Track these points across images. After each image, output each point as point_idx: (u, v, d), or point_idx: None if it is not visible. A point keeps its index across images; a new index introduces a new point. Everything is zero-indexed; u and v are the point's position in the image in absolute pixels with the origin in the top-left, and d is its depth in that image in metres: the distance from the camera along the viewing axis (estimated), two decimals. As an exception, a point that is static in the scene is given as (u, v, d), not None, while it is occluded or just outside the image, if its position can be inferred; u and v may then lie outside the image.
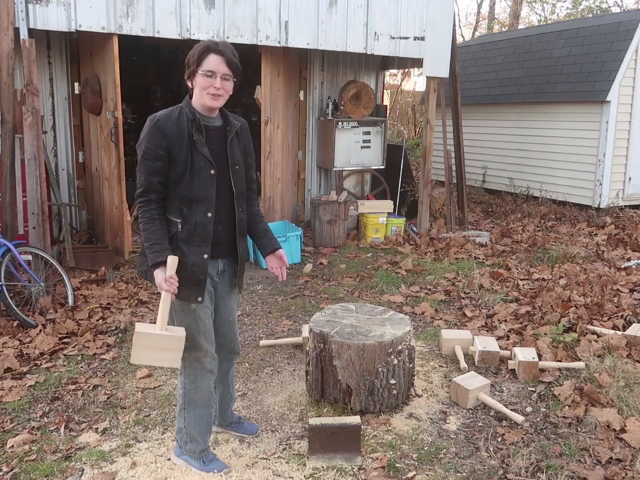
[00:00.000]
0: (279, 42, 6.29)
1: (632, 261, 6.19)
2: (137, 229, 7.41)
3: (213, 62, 2.47)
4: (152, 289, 5.31)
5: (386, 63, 8.66)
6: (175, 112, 2.54)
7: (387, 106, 8.79)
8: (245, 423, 3.15)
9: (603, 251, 6.65)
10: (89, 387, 3.61)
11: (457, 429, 3.19)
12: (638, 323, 4.37)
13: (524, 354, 3.77)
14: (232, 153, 2.64)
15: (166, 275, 2.43)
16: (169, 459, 2.88)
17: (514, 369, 3.81)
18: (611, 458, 2.89)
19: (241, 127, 2.72)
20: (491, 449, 2.98)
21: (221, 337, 2.81)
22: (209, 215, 2.55)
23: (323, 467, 2.82)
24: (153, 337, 2.50)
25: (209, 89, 2.48)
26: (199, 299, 2.58)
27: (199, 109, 2.56)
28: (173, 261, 2.44)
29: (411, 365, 3.40)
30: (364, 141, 7.92)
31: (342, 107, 7.76)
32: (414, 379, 3.52)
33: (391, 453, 2.94)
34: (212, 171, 2.55)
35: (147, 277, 2.61)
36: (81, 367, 3.88)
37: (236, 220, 2.66)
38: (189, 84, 2.55)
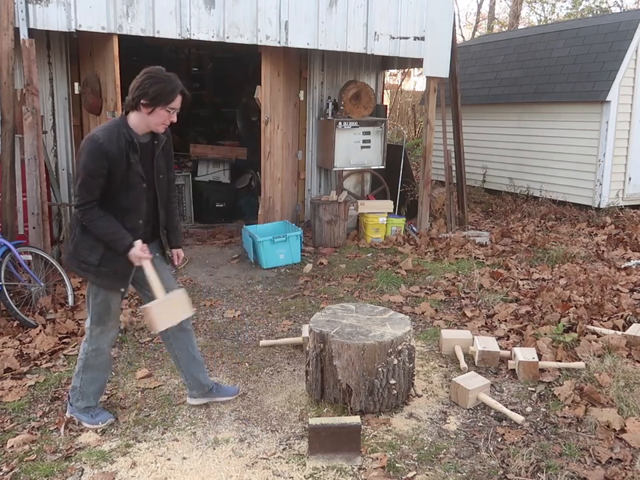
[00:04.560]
0: (279, 42, 6.29)
1: (632, 261, 6.19)
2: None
3: (178, 101, 2.86)
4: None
5: (386, 63, 8.66)
6: (114, 132, 2.82)
7: (386, 106, 8.79)
8: (223, 386, 3.47)
9: (603, 251, 6.65)
10: (89, 386, 3.61)
11: (457, 428, 3.19)
12: (638, 323, 4.37)
13: (524, 354, 3.77)
14: (157, 164, 3.01)
15: (137, 249, 2.86)
16: (169, 459, 2.89)
17: (514, 369, 3.81)
18: (611, 458, 2.89)
19: (166, 140, 3.06)
20: (491, 449, 2.98)
21: None
22: (140, 222, 2.97)
23: (322, 467, 2.82)
24: (163, 303, 2.91)
25: (165, 121, 2.87)
26: (122, 289, 3.04)
27: (137, 130, 2.88)
28: (139, 242, 2.89)
29: (411, 365, 3.40)
30: (364, 141, 7.92)
31: (342, 107, 7.76)
32: (414, 379, 3.52)
33: (390, 453, 2.94)
34: (144, 185, 2.93)
35: (80, 270, 2.97)
36: (81, 367, 3.88)
37: (159, 218, 3.11)
38: (143, 109, 2.80)
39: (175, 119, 2.90)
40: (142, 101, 2.78)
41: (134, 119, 2.86)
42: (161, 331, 3.04)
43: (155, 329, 2.96)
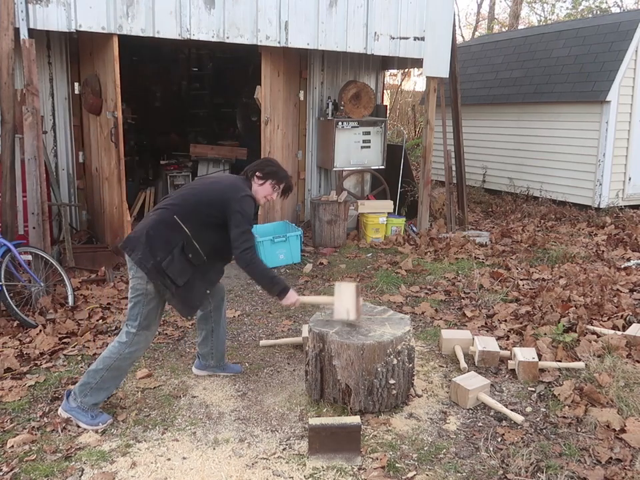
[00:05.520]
0: (279, 42, 6.29)
1: (632, 261, 6.19)
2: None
3: (282, 188, 3.49)
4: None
5: (386, 63, 8.66)
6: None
7: (386, 106, 8.79)
8: (230, 363, 3.87)
9: (603, 251, 6.65)
10: (88, 386, 3.61)
11: (457, 428, 3.19)
12: (638, 323, 4.37)
13: (524, 354, 3.77)
14: None
15: (293, 294, 3.32)
16: (169, 459, 2.89)
17: (514, 369, 3.81)
18: (611, 458, 2.89)
19: None
20: (491, 449, 2.98)
21: (215, 290, 3.55)
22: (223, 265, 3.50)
23: (322, 467, 2.82)
24: (337, 303, 3.41)
25: (267, 195, 3.44)
26: (188, 316, 3.53)
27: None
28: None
29: (411, 365, 3.40)
30: (364, 141, 7.92)
31: (342, 107, 7.76)
32: (414, 379, 3.52)
33: (390, 453, 2.94)
34: None
35: (161, 285, 3.13)
36: (81, 367, 3.88)
37: None
38: (257, 180, 3.40)
39: (274, 197, 3.48)
40: (266, 177, 3.39)
41: (253, 187, 3.40)
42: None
43: (354, 317, 3.36)
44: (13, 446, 2.98)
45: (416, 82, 19.42)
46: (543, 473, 2.77)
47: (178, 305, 3.23)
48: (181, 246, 3.12)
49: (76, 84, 6.58)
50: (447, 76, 7.48)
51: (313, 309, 4.96)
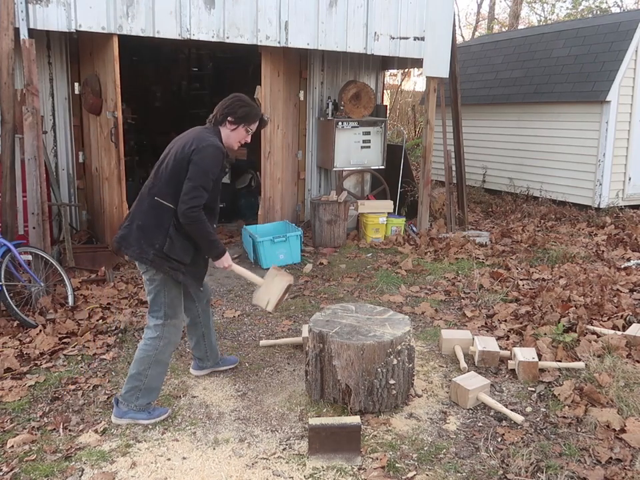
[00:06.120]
0: (279, 42, 6.29)
1: (632, 261, 6.19)
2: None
3: (256, 127, 3.29)
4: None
5: (386, 63, 8.66)
6: (221, 142, 3.18)
7: (386, 106, 8.79)
8: (226, 357, 3.91)
9: (603, 251, 6.65)
10: (88, 387, 3.61)
11: (457, 428, 3.19)
12: (638, 323, 4.37)
13: (524, 354, 3.77)
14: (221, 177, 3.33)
15: (228, 256, 3.23)
16: (169, 459, 2.89)
17: (514, 369, 3.81)
18: (611, 458, 2.89)
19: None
20: (491, 449, 2.98)
21: (201, 294, 3.54)
22: (215, 226, 3.27)
23: (322, 467, 2.82)
24: (265, 287, 3.37)
25: (241, 140, 3.26)
26: (200, 288, 3.40)
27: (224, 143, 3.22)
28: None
29: (411, 365, 3.40)
30: (364, 141, 7.92)
31: (342, 107, 7.76)
32: (414, 379, 3.52)
33: (390, 453, 2.94)
34: (219, 189, 3.26)
35: (170, 269, 3.09)
36: (81, 367, 3.88)
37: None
38: (229, 125, 3.19)
39: (249, 140, 3.31)
40: (229, 118, 3.18)
41: (223, 133, 3.21)
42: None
43: (271, 309, 3.37)
44: (13, 446, 2.98)
45: (416, 82, 19.45)
46: (542, 472, 2.77)
47: (190, 281, 3.21)
48: (174, 224, 3.05)
49: (76, 84, 6.58)
50: (447, 76, 7.48)
51: (314, 309, 4.97)
